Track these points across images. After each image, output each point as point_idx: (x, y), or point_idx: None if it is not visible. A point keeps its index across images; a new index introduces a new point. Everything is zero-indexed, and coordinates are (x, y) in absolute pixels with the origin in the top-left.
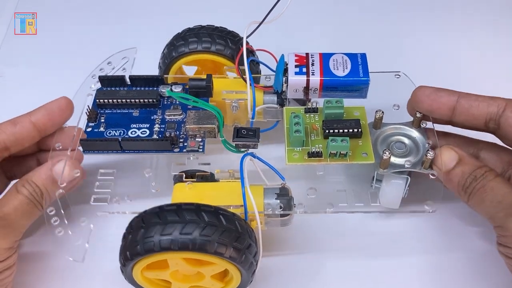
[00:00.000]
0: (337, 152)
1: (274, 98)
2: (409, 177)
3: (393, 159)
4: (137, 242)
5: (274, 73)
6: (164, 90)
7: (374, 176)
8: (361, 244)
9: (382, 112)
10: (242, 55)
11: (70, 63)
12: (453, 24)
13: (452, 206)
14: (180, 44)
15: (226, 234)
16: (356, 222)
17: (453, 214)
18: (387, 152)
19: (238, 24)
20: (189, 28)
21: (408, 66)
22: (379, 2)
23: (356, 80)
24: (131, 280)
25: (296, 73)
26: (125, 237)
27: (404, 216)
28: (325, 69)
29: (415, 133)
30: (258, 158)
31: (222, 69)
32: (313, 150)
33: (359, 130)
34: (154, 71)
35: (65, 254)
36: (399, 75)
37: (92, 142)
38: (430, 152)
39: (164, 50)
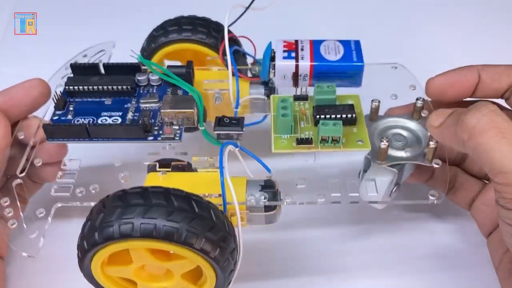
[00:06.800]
0: (329, 137)
1: (262, 89)
2: (397, 172)
3: (392, 152)
4: (95, 229)
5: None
6: (140, 77)
7: (362, 168)
8: (345, 266)
9: (379, 101)
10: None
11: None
12: (451, 16)
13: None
14: (159, 34)
15: (198, 221)
16: (339, 241)
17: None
18: (385, 141)
19: (222, 16)
20: (169, 19)
21: (407, 57)
22: None
23: (350, 65)
24: (90, 277)
25: (284, 58)
26: (84, 226)
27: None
28: (315, 54)
29: (415, 126)
30: (241, 148)
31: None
32: (303, 136)
33: (353, 116)
34: None
35: (18, 249)
36: (396, 67)
37: (56, 127)
38: (432, 141)
39: (143, 43)
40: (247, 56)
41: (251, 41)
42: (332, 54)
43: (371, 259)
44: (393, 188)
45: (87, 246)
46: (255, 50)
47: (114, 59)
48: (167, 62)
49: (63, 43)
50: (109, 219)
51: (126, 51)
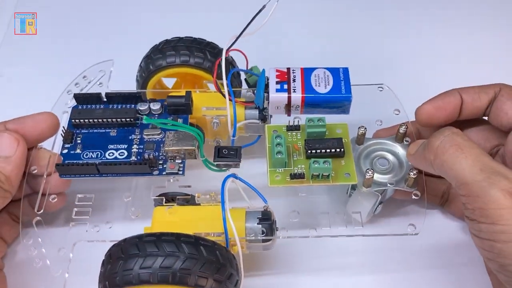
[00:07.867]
0: (319, 173)
1: (256, 112)
2: (380, 195)
3: (376, 176)
4: (116, 274)
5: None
6: (142, 108)
7: (349, 186)
8: (341, 264)
9: (365, 128)
10: (219, 70)
11: (71, 63)
12: (438, 34)
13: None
14: (158, 58)
15: (207, 266)
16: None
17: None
18: (370, 172)
19: (217, 35)
20: (166, 40)
21: (392, 77)
22: (362, 13)
23: (338, 97)
24: None
25: (277, 90)
26: (104, 264)
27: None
28: (306, 86)
29: (398, 149)
30: (240, 179)
31: (202, 81)
32: (296, 171)
33: (342, 150)
34: (132, 83)
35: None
36: (382, 88)
37: (68, 167)
38: (413, 171)
39: (141, 63)
40: (241, 71)
41: (244, 55)
42: (322, 86)
43: (370, 256)
44: (377, 206)
45: (109, 286)
46: (247, 63)
47: (116, 62)
48: (165, 80)
49: (63, 44)
50: (129, 267)
51: (126, 52)
